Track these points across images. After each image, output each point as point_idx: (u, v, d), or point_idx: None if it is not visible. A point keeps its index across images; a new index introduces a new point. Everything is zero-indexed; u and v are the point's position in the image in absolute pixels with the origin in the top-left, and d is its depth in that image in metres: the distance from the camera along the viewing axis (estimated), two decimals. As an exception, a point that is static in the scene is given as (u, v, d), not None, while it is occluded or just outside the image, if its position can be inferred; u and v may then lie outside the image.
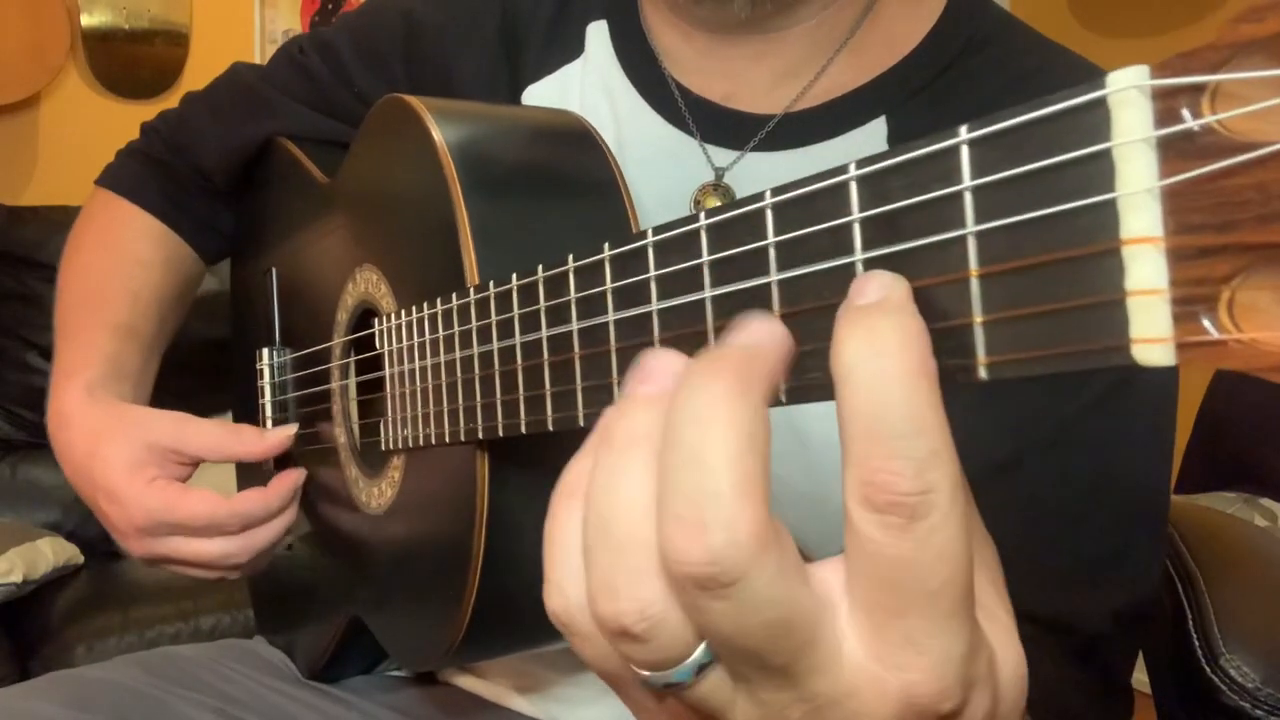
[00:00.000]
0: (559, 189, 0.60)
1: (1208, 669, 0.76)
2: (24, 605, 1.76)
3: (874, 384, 0.24)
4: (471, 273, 0.53)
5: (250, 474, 0.80)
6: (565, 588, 0.29)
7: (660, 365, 0.28)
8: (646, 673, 0.27)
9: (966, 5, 0.66)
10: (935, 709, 0.26)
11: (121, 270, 0.83)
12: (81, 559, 1.91)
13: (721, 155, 0.66)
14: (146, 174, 0.88)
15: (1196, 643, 0.78)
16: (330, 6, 2.65)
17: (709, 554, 0.24)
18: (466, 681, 0.79)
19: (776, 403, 0.28)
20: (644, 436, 0.26)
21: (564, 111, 0.65)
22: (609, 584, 0.26)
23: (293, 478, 0.72)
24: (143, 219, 0.87)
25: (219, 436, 0.71)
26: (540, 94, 0.71)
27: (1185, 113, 0.19)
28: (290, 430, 0.74)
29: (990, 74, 0.63)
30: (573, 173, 0.60)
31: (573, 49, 0.71)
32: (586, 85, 0.70)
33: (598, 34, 0.71)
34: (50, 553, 1.82)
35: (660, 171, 0.64)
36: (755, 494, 0.24)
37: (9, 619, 1.75)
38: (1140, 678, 0.63)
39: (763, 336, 0.27)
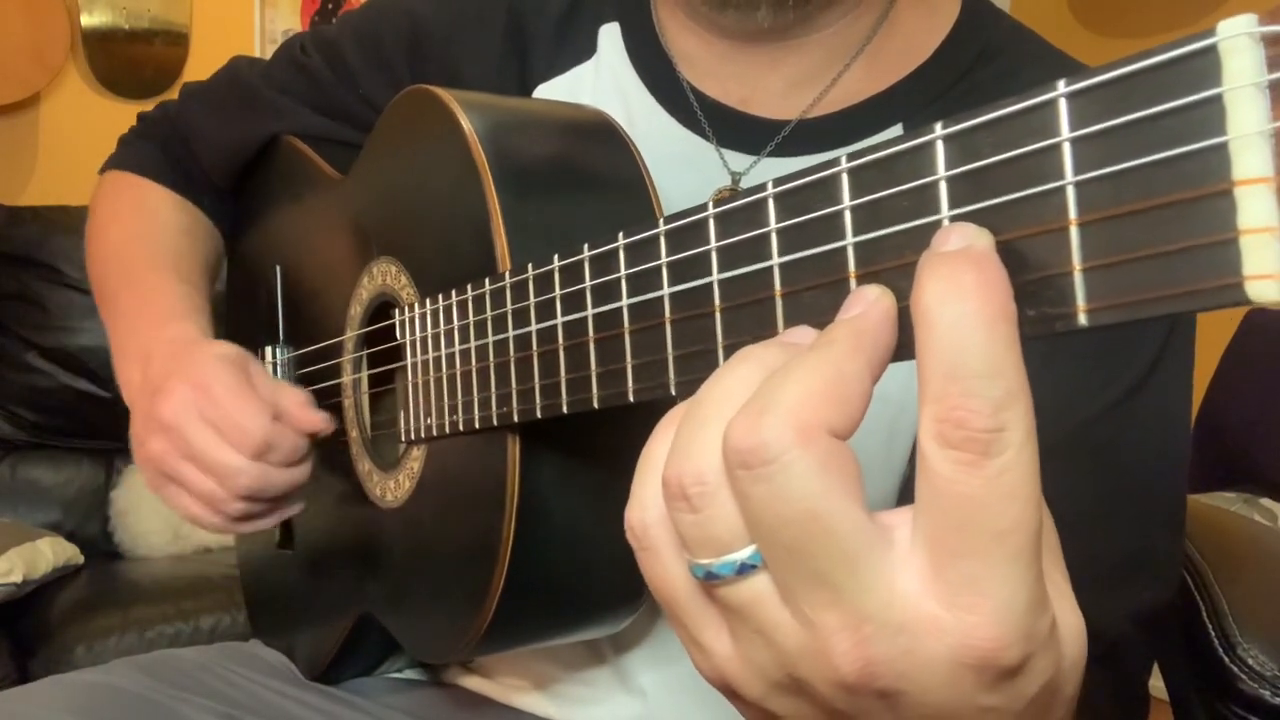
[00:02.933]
0: (587, 181, 0.60)
1: (1226, 659, 0.77)
2: (24, 605, 1.75)
3: (955, 326, 0.24)
4: (504, 261, 0.53)
5: None
6: (647, 502, 0.31)
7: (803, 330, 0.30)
8: (696, 560, 0.29)
9: (979, 14, 0.67)
10: (996, 661, 0.26)
11: (167, 235, 0.84)
12: (81, 559, 1.91)
13: (737, 160, 0.66)
14: (159, 154, 0.88)
15: (1212, 633, 0.79)
16: (330, 6, 2.64)
17: (753, 434, 0.26)
18: (472, 682, 0.78)
19: None
20: (762, 356, 0.29)
21: (588, 106, 0.65)
22: (684, 448, 0.29)
23: (322, 417, 0.67)
24: (168, 194, 0.87)
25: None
26: (551, 94, 0.71)
27: (1294, 57, 0.20)
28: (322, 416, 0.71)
29: (1002, 85, 0.64)
30: (600, 166, 0.60)
31: (584, 50, 0.71)
32: (599, 86, 0.70)
33: (610, 36, 0.71)
34: (50, 553, 1.81)
35: (675, 174, 0.63)
36: (819, 405, 0.26)
37: (9, 619, 1.74)
38: (1155, 684, 0.64)
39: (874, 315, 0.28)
